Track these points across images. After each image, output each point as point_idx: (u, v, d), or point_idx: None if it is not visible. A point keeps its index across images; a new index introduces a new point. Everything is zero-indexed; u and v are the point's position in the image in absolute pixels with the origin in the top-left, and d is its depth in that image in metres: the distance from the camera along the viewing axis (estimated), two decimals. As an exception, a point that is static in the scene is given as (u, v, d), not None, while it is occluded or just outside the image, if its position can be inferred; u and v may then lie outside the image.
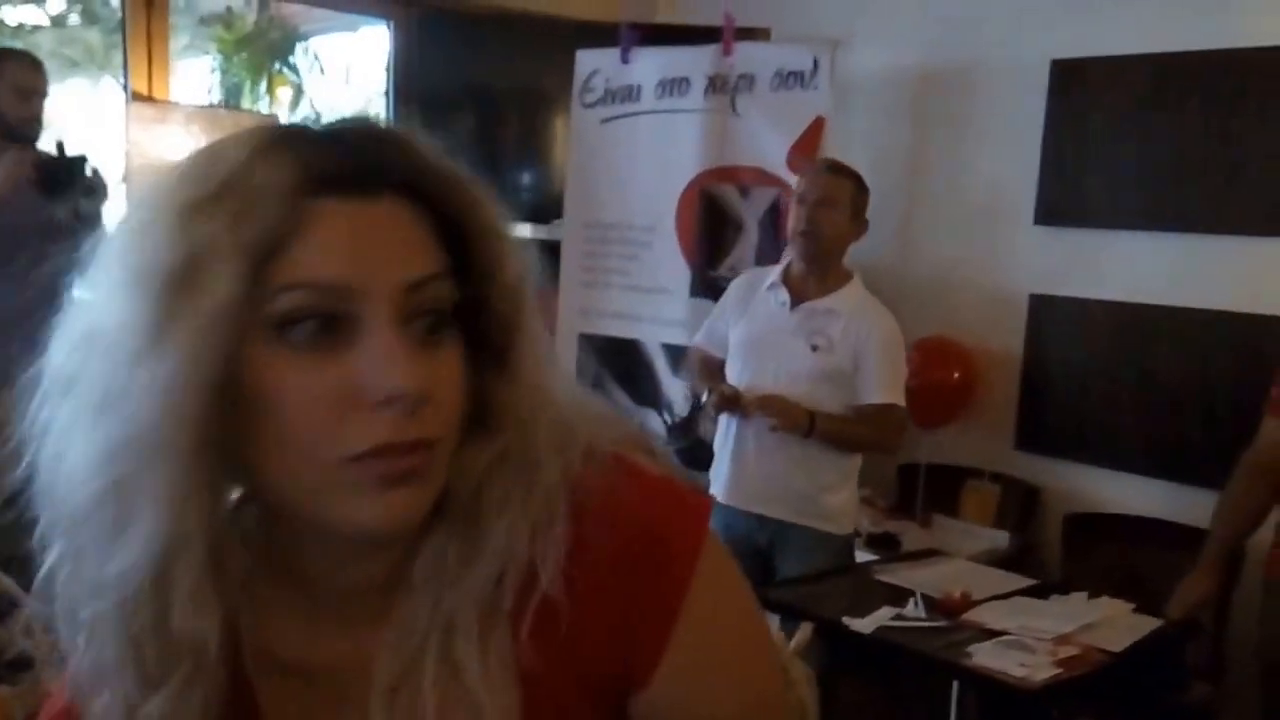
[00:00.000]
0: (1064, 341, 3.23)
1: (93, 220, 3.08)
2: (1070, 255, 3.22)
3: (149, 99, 3.50)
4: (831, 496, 2.63)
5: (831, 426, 2.56)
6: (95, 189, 3.03)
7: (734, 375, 2.66)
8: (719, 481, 2.72)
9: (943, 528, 3.24)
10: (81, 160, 3.05)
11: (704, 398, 2.68)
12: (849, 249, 2.65)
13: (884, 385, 2.56)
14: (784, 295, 2.62)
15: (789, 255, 2.67)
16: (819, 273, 2.61)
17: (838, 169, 2.65)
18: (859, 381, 2.55)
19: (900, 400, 2.59)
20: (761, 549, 2.67)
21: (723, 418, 2.69)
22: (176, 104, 3.50)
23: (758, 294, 2.68)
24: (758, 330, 2.64)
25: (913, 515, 3.31)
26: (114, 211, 3.15)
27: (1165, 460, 3.00)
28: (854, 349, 2.55)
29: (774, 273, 2.68)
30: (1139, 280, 3.07)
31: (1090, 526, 3.08)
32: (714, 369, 2.75)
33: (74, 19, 6.52)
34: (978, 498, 3.28)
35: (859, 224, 2.64)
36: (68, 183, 2.98)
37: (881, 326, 2.59)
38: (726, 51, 3.22)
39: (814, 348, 2.56)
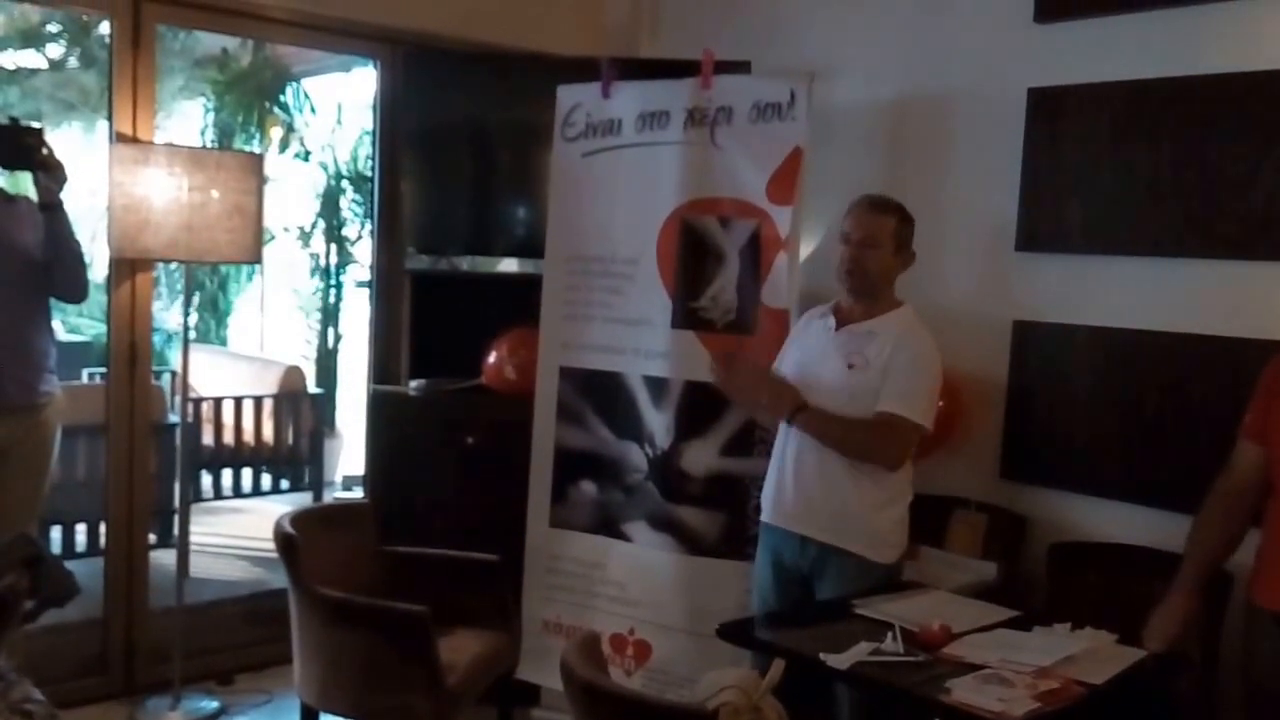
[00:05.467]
0: (1048, 368, 3.20)
1: (56, 208, 3.03)
2: (1053, 281, 3.20)
3: (134, 140, 3.52)
4: (876, 517, 2.64)
5: (818, 418, 2.59)
6: (53, 166, 3.02)
7: None
8: (767, 501, 2.77)
9: (930, 559, 3.19)
10: (38, 131, 3.03)
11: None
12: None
13: (897, 395, 2.57)
14: (831, 321, 2.74)
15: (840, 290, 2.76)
16: (866, 303, 2.70)
17: (880, 206, 2.71)
18: (880, 392, 2.58)
19: (912, 415, 2.58)
20: (804, 574, 2.67)
21: (778, 437, 2.76)
22: (159, 145, 3.51)
23: (812, 325, 2.79)
24: (806, 355, 2.76)
25: (900, 547, 3.26)
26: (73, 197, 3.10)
27: (1151, 487, 2.96)
28: (884, 365, 2.59)
29: (829, 305, 2.79)
30: (1120, 305, 3.05)
31: (1076, 556, 3.03)
32: None
33: (72, 62, 6.59)
34: (964, 528, 3.23)
35: (904, 256, 2.72)
36: (23, 152, 2.97)
37: (914, 346, 2.63)
38: (705, 85, 3.22)
39: (850, 366, 2.63)
